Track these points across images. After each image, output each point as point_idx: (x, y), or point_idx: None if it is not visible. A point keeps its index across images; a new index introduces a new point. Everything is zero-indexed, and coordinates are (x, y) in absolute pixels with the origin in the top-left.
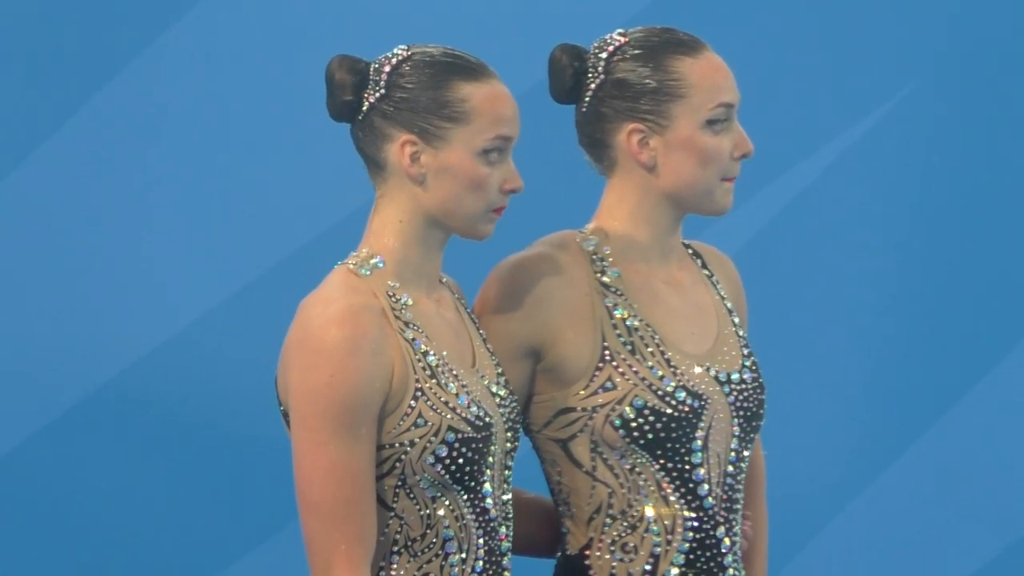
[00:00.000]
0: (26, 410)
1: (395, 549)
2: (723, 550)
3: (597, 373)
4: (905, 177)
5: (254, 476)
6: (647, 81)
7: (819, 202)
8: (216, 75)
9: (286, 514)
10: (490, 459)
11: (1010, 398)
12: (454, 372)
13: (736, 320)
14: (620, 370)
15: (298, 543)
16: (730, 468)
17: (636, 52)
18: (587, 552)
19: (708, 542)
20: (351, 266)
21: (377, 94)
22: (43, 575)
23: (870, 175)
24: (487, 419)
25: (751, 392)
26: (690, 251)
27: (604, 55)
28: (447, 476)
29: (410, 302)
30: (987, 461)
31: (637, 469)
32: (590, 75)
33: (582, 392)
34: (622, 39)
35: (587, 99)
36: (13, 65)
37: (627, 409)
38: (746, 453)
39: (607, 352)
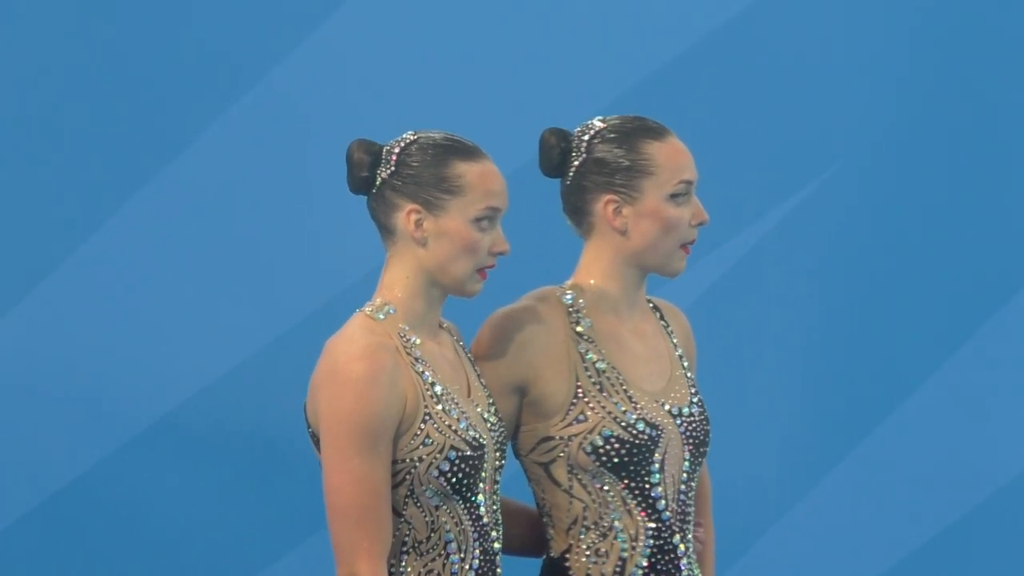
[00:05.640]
0: (99, 436)
1: (404, 549)
2: (679, 554)
3: (572, 408)
4: (823, 248)
5: (289, 493)
6: (621, 160)
7: (755, 266)
8: (278, 156)
9: (318, 521)
10: (483, 474)
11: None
12: (455, 400)
13: (685, 364)
14: (591, 405)
15: (322, 550)
16: (682, 486)
17: (612, 136)
18: (567, 555)
19: (666, 547)
20: (368, 312)
21: (388, 171)
22: None
23: (798, 245)
24: (481, 440)
25: (698, 423)
26: (651, 305)
27: (586, 138)
28: (448, 487)
29: (418, 342)
30: (897, 483)
31: (606, 487)
32: (574, 154)
33: (559, 423)
34: (601, 124)
35: (571, 174)
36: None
37: (596, 438)
38: (695, 473)
39: (580, 390)
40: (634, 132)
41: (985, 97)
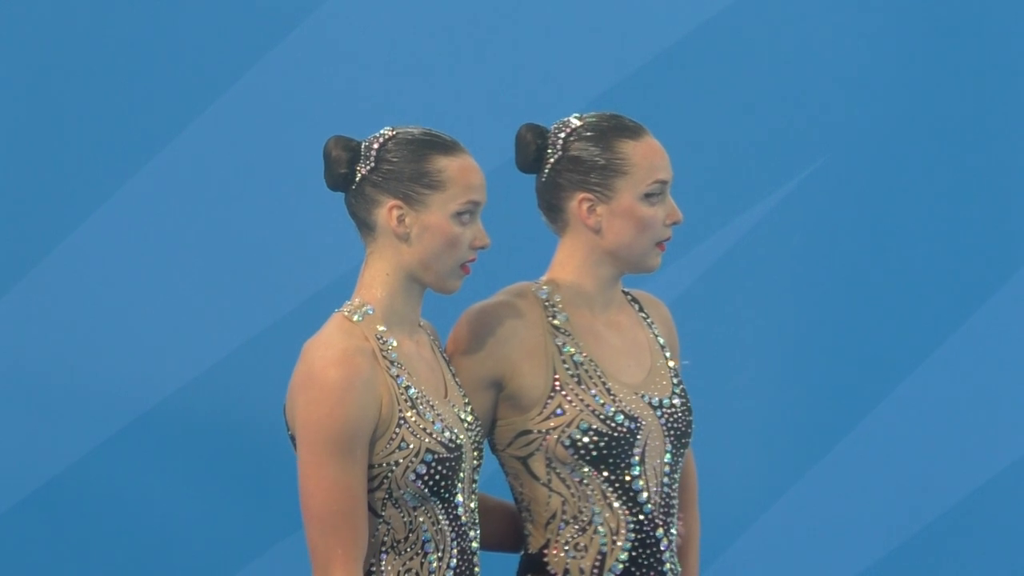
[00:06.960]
0: (80, 432)
1: (383, 549)
2: (661, 548)
3: (549, 401)
4: (807, 244)
5: (269, 490)
6: (597, 159)
7: (738, 262)
8: (252, 155)
9: (299, 519)
10: (461, 474)
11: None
12: (430, 402)
13: (667, 354)
14: (568, 398)
15: (302, 547)
16: (665, 479)
17: (588, 134)
18: (545, 551)
19: (648, 540)
20: (346, 313)
21: (368, 167)
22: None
23: (780, 242)
24: (458, 441)
25: (680, 414)
26: (629, 297)
27: (562, 135)
28: (425, 489)
29: (395, 343)
30: (880, 474)
31: (585, 481)
32: (550, 151)
33: (537, 417)
34: (578, 122)
35: (546, 171)
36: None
37: (575, 431)
38: (678, 465)
39: (557, 383)
40: (610, 131)
41: (971, 92)
